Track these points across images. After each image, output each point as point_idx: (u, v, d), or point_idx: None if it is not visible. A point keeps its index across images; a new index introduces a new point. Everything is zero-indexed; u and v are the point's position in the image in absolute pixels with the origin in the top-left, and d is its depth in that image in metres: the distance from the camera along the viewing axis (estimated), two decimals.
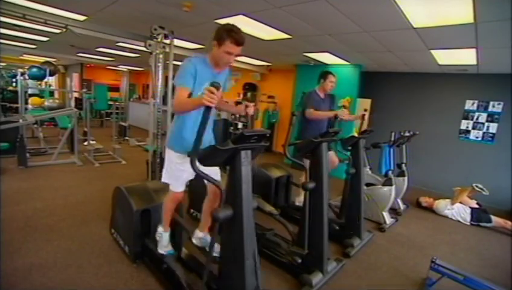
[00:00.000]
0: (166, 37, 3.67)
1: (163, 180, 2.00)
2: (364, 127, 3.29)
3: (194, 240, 2.17)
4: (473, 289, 2.07)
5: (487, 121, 4.88)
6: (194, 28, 3.81)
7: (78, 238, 2.56)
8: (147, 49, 3.69)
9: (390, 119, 5.53)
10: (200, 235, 2.16)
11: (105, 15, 3.59)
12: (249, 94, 7.87)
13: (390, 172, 3.78)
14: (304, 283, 2.14)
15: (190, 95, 1.72)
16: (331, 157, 3.30)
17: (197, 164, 1.45)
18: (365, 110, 2.97)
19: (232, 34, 1.66)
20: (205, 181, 2.06)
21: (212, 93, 1.32)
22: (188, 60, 1.76)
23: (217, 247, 1.70)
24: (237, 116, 6.81)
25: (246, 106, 1.76)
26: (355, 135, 3.21)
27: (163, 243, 2.14)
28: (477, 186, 3.86)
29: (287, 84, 6.93)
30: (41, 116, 5.43)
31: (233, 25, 1.69)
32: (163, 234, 2.14)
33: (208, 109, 1.36)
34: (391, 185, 3.53)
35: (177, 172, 1.91)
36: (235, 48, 1.70)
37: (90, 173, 4.52)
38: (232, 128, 6.99)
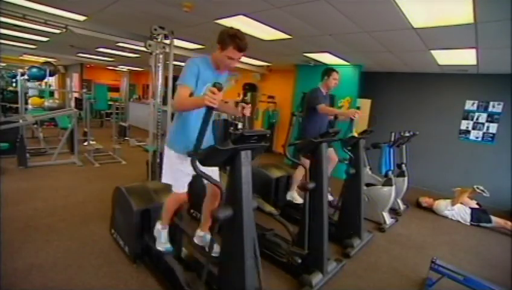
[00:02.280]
0: (166, 37, 3.67)
1: (163, 180, 1.98)
2: (357, 126, 3.29)
3: (195, 239, 2.19)
4: (473, 289, 2.07)
5: (487, 121, 4.88)
6: (194, 28, 3.81)
7: (78, 239, 2.56)
8: (147, 49, 3.68)
9: (390, 120, 5.54)
10: (201, 234, 2.18)
11: (105, 15, 3.59)
12: (248, 94, 7.85)
13: (390, 172, 3.78)
14: (304, 283, 2.14)
15: (191, 95, 1.72)
16: (331, 155, 3.30)
17: (197, 164, 1.45)
18: (358, 107, 2.95)
19: (236, 40, 1.66)
20: (204, 181, 2.06)
21: (214, 93, 1.32)
22: (191, 60, 1.78)
23: (216, 247, 1.70)
24: (237, 116, 6.79)
25: (243, 108, 1.75)
26: (355, 135, 3.20)
27: (162, 239, 2.12)
28: (478, 187, 3.86)
29: (286, 85, 6.93)
30: (41, 116, 5.43)
31: (237, 30, 1.69)
32: (161, 231, 2.12)
33: (209, 109, 1.37)
34: (391, 185, 3.53)
35: (177, 173, 1.89)
36: (238, 53, 1.71)
37: (90, 173, 4.52)
38: (232, 128, 6.99)
